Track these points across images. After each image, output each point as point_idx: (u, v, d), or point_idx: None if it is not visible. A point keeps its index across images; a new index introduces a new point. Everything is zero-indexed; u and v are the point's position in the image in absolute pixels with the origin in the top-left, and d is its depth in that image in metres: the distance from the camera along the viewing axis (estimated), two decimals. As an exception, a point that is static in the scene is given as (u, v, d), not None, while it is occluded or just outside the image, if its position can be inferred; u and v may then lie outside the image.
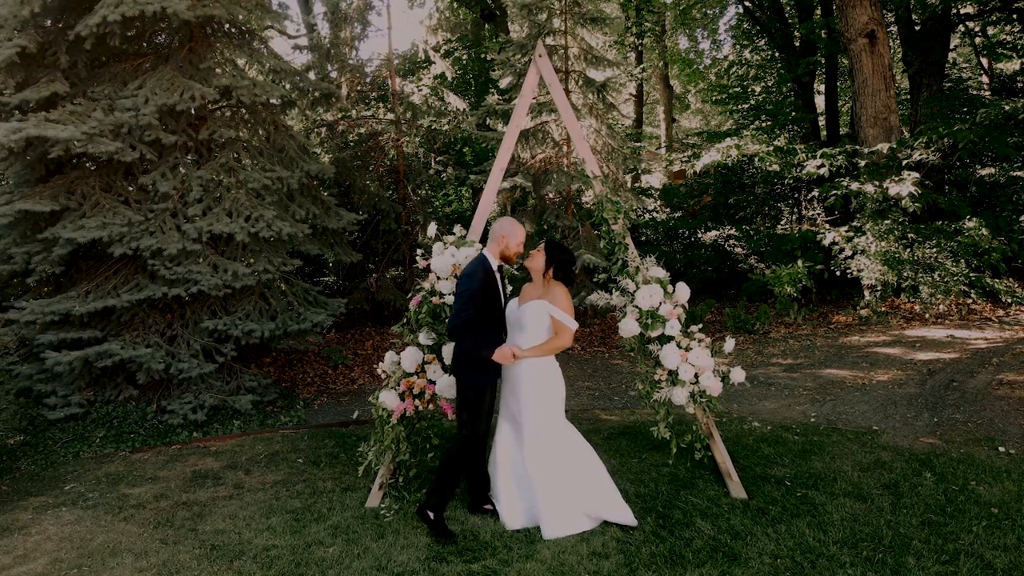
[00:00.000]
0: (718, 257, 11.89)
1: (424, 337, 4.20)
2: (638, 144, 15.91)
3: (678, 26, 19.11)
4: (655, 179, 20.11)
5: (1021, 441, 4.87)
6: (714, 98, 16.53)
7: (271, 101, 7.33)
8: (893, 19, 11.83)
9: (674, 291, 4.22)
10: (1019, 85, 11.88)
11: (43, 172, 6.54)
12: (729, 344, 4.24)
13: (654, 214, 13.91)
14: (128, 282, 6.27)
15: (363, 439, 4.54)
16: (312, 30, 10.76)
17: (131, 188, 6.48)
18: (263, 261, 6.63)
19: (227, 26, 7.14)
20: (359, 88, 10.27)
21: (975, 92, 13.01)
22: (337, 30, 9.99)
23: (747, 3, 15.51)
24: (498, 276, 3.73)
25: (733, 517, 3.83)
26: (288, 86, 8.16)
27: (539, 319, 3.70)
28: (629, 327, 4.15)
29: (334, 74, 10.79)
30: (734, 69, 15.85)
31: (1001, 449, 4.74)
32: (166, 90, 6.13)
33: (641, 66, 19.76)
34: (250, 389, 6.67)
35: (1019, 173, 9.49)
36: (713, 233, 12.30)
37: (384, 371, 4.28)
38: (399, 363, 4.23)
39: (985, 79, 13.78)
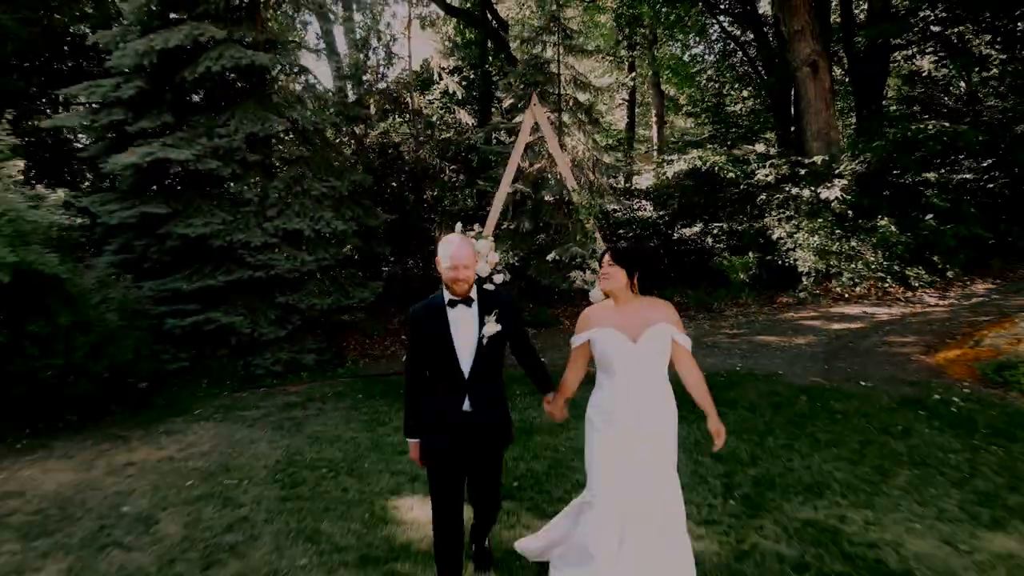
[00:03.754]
0: (691, 250, 13.80)
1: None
2: (619, 155, 17.86)
3: (665, 39, 21.05)
4: (645, 179, 21.99)
5: (879, 379, 6.80)
6: (687, 110, 18.47)
7: (321, 125, 9.27)
8: (841, 46, 13.72)
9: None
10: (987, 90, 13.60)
11: (153, 184, 8.47)
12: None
13: (638, 212, 15.79)
14: (221, 267, 8.21)
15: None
16: (342, 60, 12.74)
17: (223, 196, 8.43)
18: (321, 251, 8.58)
19: (289, 68, 9.09)
20: (385, 107, 12.22)
21: (920, 108, 14.89)
22: (366, 60, 11.94)
23: (724, 24, 17.38)
24: (448, 311, 2.93)
25: (662, 419, 5.77)
26: (332, 111, 10.11)
27: (662, 348, 2.92)
28: (596, 295, 6.12)
29: (353, 94, 12.72)
30: (711, 85, 17.77)
31: (862, 383, 6.67)
32: (250, 121, 8.07)
33: (632, 74, 21.68)
34: (312, 350, 8.62)
35: (929, 176, 11.33)
36: (687, 230, 14.20)
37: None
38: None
39: (964, 85, 15.53)
